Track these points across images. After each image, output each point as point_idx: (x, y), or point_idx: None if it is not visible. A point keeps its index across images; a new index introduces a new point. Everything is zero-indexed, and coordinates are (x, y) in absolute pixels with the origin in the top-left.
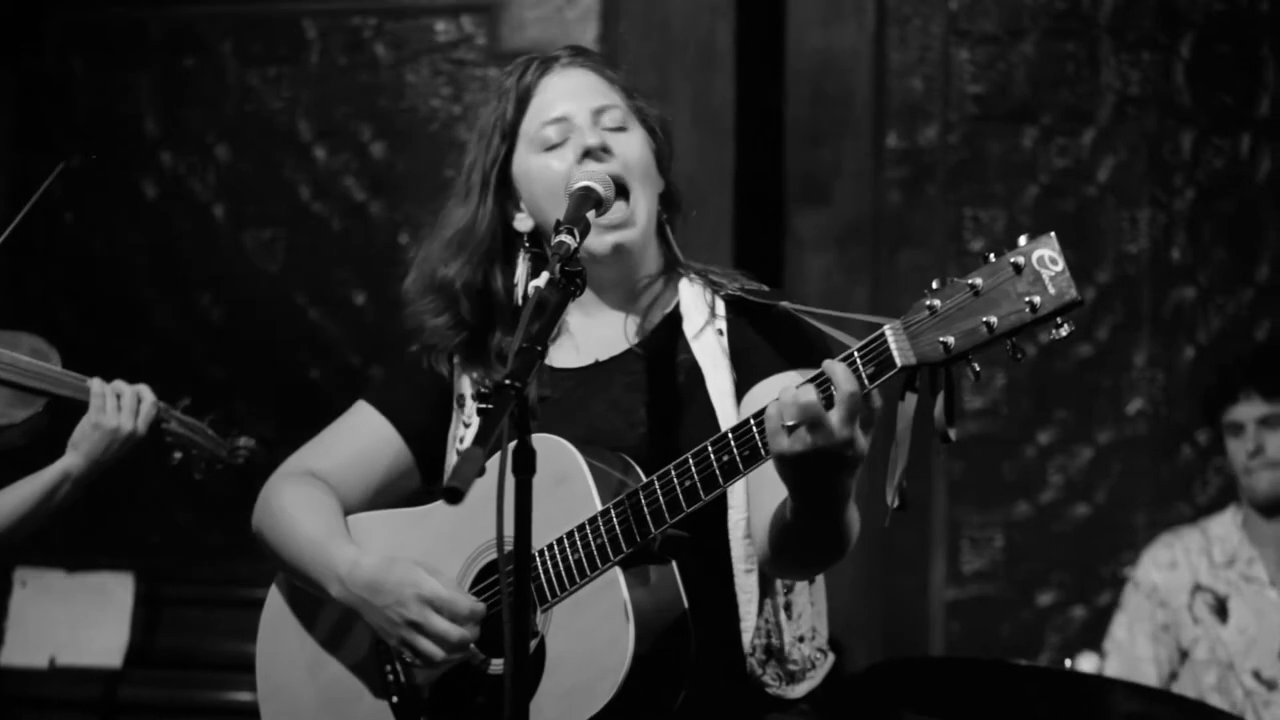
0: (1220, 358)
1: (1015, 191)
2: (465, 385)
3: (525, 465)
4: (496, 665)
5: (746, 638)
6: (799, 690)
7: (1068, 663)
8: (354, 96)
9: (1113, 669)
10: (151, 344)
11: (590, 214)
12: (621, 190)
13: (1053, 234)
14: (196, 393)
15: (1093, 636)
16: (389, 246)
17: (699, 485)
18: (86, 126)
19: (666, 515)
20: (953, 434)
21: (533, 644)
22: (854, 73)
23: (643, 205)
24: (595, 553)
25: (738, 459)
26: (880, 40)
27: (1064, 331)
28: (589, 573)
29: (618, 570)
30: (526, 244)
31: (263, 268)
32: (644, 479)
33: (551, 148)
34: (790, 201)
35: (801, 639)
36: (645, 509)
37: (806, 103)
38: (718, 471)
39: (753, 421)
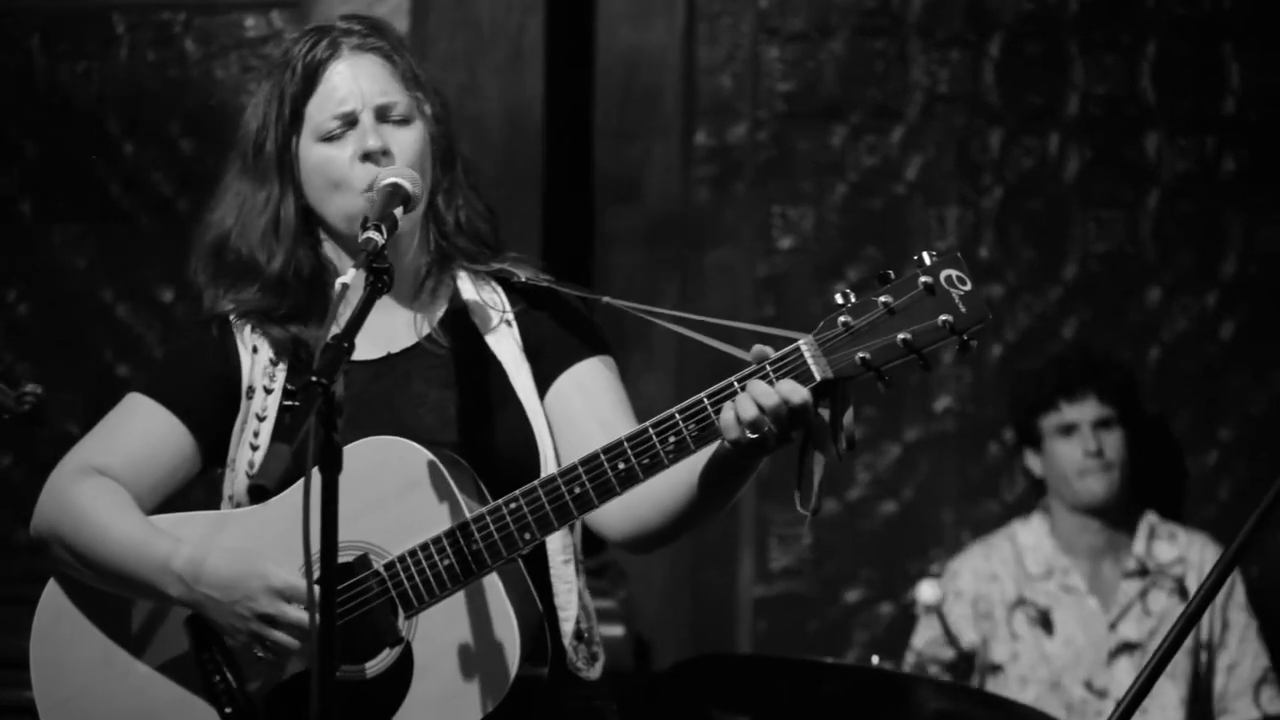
0: (1028, 356)
1: (824, 189)
2: (257, 375)
3: (332, 463)
4: (345, 671)
5: (568, 626)
6: (597, 670)
7: (874, 660)
8: (163, 92)
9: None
10: None
11: (398, 211)
12: None
13: (959, 253)
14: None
15: (900, 635)
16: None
17: (591, 493)
18: None
19: (555, 522)
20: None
21: (397, 651)
22: (663, 70)
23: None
24: (471, 559)
25: (636, 468)
26: (689, 38)
27: (973, 345)
28: (463, 579)
29: (495, 576)
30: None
31: (70, 263)
32: (479, 483)
33: (332, 138)
34: (599, 199)
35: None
36: (529, 515)
37: (616, 100)
38: (613, 480)
39: (653, 431)
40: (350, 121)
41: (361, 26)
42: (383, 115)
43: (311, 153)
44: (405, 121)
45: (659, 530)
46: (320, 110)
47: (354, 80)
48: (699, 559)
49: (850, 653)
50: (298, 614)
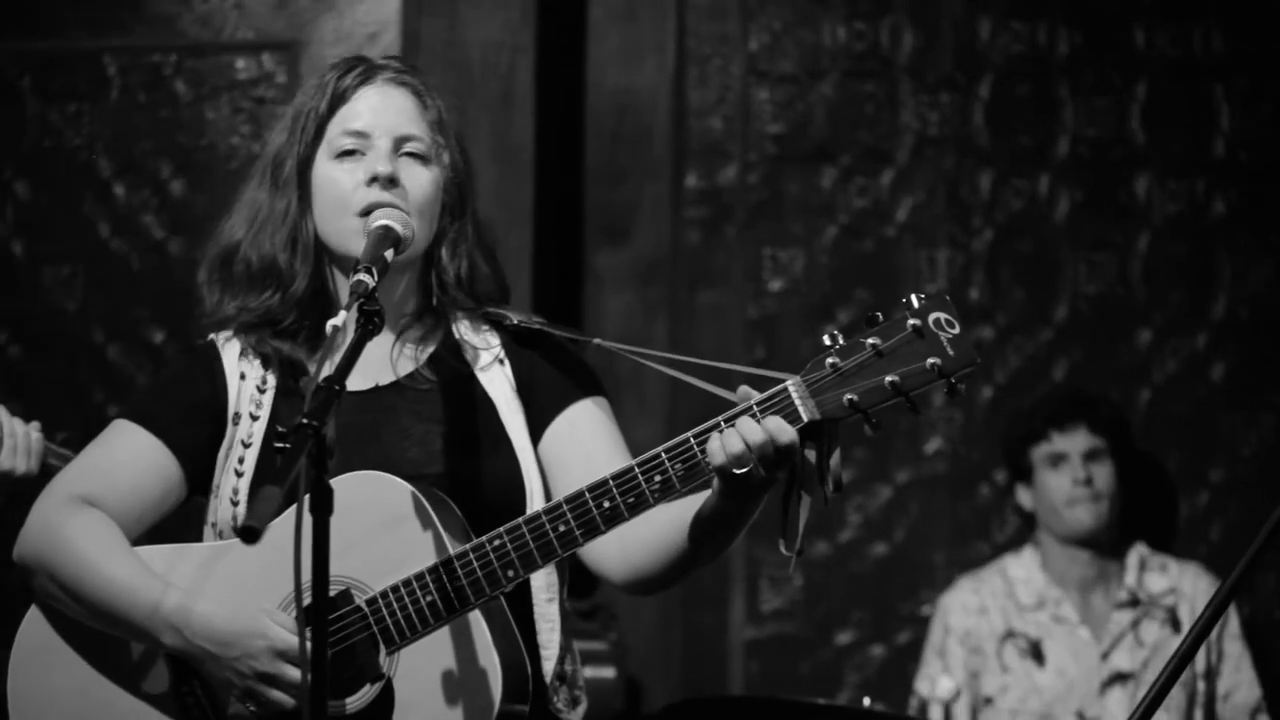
0: (1018, 397)
1: (814, 231)
2: (243, 401)
3: (323, 505)
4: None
5: (550, 665)
6: (578, 715)
7: (866, 701)
8: (154, 133)
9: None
10: None
11: (388, 253)
12: None
13: (948, 296)
14: None
15: (891, 675)
16: (188, 284)
17: (576, 531)
18: None
19: (538, 560)
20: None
21: (378, 687)
22: (654, 112)
23: (414, 235)
24: (453, 595)
25: (621, 506)
26: (680, 80)
27: (961, 389)
28: (445, 615)
29: (478, 613)
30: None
31: (61, 305)
32: (463, 520)
33: (343, 156)
34: (589, 240)
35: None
36: (513, 552)
37: (606, 141)
38: (598, 518)
39: (638, 470)
40: (364, 143)
41: (401, 64)
42: (400, 144)
43: (322, 169)
44: (423, 160)
45: (655, 576)
46: (337, 128)
47: (379, 106)
48: (690, 601)
49: (842, 694)
50: (295, 674)
